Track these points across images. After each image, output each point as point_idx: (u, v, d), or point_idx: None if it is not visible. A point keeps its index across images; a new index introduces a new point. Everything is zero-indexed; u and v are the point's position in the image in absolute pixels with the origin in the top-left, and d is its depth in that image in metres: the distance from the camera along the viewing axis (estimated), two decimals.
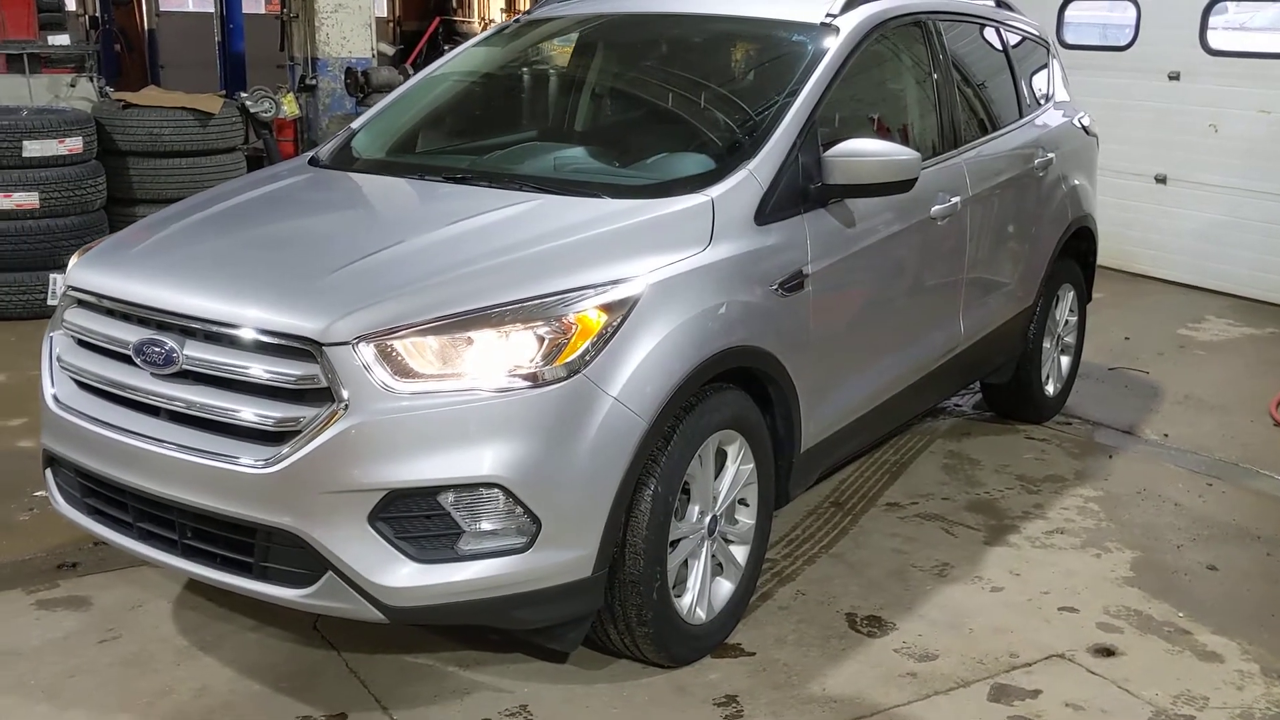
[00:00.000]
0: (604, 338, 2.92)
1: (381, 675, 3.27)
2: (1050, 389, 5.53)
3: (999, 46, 5.19)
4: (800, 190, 3.58)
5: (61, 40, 7.99)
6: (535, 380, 2.83)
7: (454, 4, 17.31)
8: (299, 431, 2.78)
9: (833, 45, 3.92)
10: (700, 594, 3.33)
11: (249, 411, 2.83)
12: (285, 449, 2.78)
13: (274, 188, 3.78)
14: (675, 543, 3.22)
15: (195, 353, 2.91)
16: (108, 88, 8.15)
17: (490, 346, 2.84)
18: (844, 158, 3.57)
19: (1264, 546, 4.28)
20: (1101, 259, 7.33)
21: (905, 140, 4.33)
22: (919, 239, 4.17)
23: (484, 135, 4.40)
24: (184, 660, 3.35)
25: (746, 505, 3.51)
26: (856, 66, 4.01)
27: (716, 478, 3.37)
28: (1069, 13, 8.94)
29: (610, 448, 2.90)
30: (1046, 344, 5.42)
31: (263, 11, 14.22)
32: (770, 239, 3.44)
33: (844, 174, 3.58)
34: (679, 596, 3.27)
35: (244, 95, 8.10)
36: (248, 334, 2.84)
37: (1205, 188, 8.12)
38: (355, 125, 4.40)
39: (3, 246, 6.83)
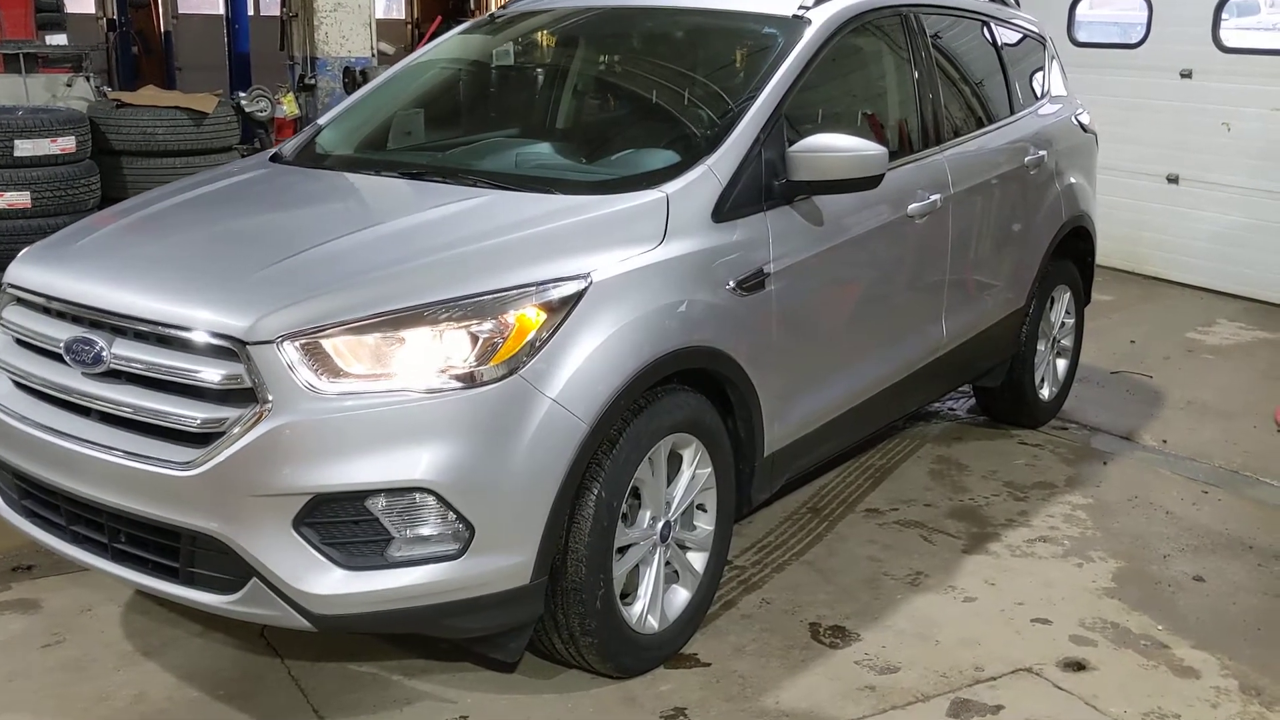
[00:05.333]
0: (543, 338, 2.82)
1: (323, 683, 3.19)
2: (1045, 393, 5.39)
3: (990, 41, 5.06)
4: (763, 187, 3.47)
5: (59, 40, 7.98)
6: (469, 381, 2.73)
7: (470, 5, 17.29)
8: (223, 433, 2.69)
9: (803, 38, 3.80)
10: (652, 602, 3.22)
11: (175, 412, 2.75)
12: (209, 451, 2.69)
13: (225, 184, 3.70)
14: (624, 549, 3.12)
15: (123, 351, 2.83)
16: (105, 87, 8.13)
17: (422, 346, 2.74)
18: (807, 153, 3.46)
19: (1255, 557, 4.13)
20: (1112, 261, 7.18)
21: (882, 136, 4.21)
22: (895, 238, 4.05)
23: (451, 131, 4.33)
24: (125, 666, 3.27)
25: (705, 511, 3.40)
26: (829, 60, 3.89)
27: (671, 482, 3.26)
28: (1080, 11, 8.77)
29: (548, 451, 2.80)
30: (1040, 347, 5.28)
31: (276, 14, 14.21)
32: (729, 236, 3.34)
33: (808, 170, 3.47)
34: (629, 605, 3.16)
35: (241, 95, 8.06)
36: (173, 332, 2.76)
37: (1218, 188, 7.94)
38: (322, 121, 4.33)
39: None
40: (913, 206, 4.08)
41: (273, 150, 4.19)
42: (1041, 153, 5.01)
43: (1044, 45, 5.47)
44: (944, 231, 4.32)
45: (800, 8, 3.93)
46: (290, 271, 2.88)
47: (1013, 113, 5.02)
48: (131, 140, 7.37)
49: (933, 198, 4.19)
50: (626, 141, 3.90)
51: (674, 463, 3.27)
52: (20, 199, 6.86)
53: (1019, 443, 5.21)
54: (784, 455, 3.65)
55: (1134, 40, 8.40)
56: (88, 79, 7.97)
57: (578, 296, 2.90)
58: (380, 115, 4.35)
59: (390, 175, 3.64)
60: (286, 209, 3.48)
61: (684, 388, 3.23)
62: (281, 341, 2.67)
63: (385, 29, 15.92)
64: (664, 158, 3.59)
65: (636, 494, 3.14)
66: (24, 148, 6.91)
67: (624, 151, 3.81)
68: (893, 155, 4.03)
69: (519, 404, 2.77)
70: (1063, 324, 5.45)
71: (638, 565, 3.19)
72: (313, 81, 8.42)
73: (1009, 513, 4.43)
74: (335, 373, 2.69)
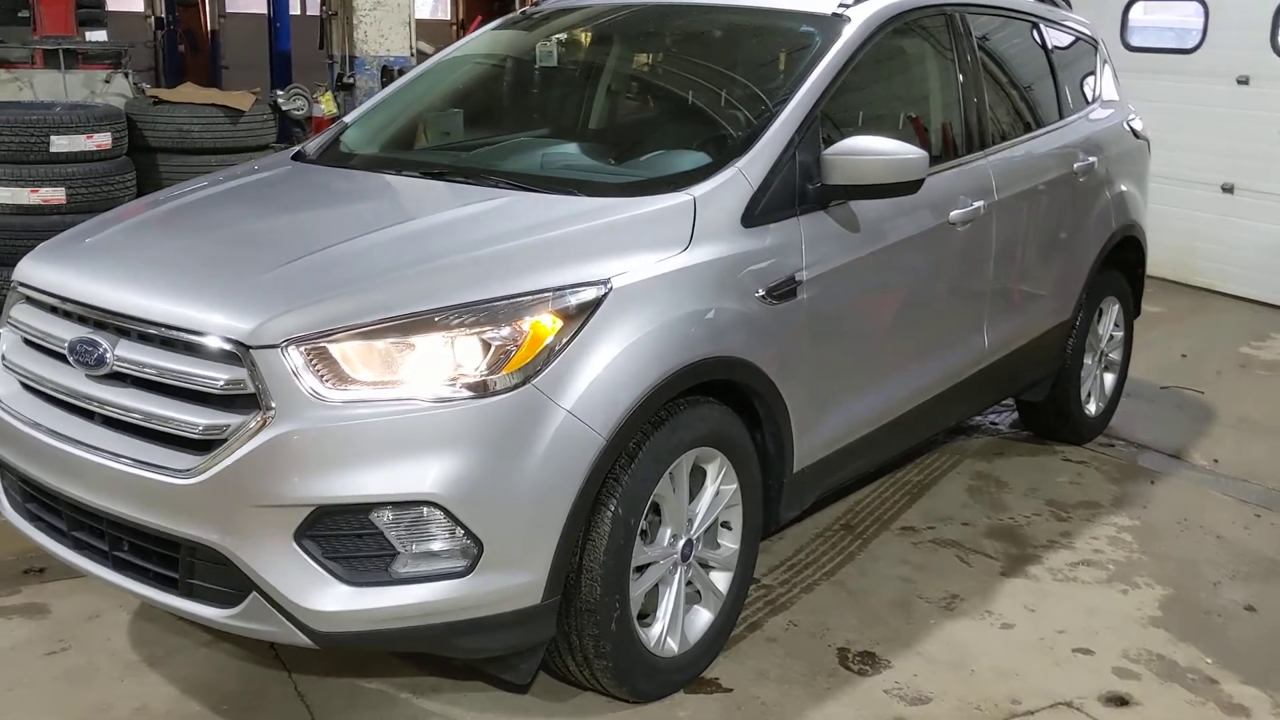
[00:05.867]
0: (559, 346, 2.69)
1: (330, 699, 3.08)
2: (1091, 408, 5.20)
3: (1039, 43, 4.88)
4: (797, 190, 3.33)
5: (99, 36, 7.94)
6: (480, 390, 2.61)
7: (516, 6, 17.24)
8: (225, 440, 2.58)
9: (842, 38, 3.65)
10: (672, 624, 3.08)
11: (177, 418, 2.65)
12: (210, 459, 2.59)
13: (241, 183, 3.61)
14: (643, 568, 2.99)
15: (126, 353, 2.73)
16: (144, 84, 8.10)
17: (432, 353, 2.62)
18: (843, 156, 3.32)
19: None
20: (1163, 272, 6.95)
21: (924, 140, 4.05)
22: (935, 246, 3.89)
23: (479, 130, 4.21)
24: (129, 675, 3.18)
25: (730, 529, 3.26)
26: (869, 61, 3.74)
27: (693, 499, 3.12)
28: (1133, 14, 8.54)
29: (562, 465, 2.67)
30: (1087, 360, 5.09)
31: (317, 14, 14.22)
32: (760, 242, 3.20)
33: (844, 174, 3.32)
34: (647, 626, 3.03)
35: (279, 93, 8.00)
36: (176, 334, 2.66)
37: (1274, 198, 7.68)
38: (348, 119, 4.23)
39: (30, 242, 6.76)
40: (955, 213, 3.92)
41: (296, 148, 4.10)
42: (1091, 159, 4.82)
43: (1096, 48, 5.29)
44: (987, 239, 4.16)
45: (840, 6, 3.79)
46: (298, 273, 2.77)
47: (1061, 117, 4.84)
48: (167, 137, 7.31)
49: (976, 204, 4.02)
50: (657, 142, 3.77)
51: (697, 478, 3.14)
52: (56, 195, 6.82)
53: (1063, 459, 5.02)
54: (814, 471, 3.50)
55: (1189, 45, 8.16)
56: (126, 75, 7.94)
57: (596, 303, 2.77)
58: (408, 113, 4.26)
59: (411, 175, 3.53)
60: (301, 209, 3.38)
61: (709, 399, 3.09)
62: (286, 346, 2.56)
63: (431, 30, 15.91)
64: (694, 159, 3.46)
65: (657, 510, 3.01)
66: (60, 144, 6.85)
67: (654, 152, 3.68)
68: (935, 160, 3.89)
69: (532, 415, 2.64)
70: (1111, 337, 5.25)
71: (657, 585, 3.06)
72: (351, 80, 8.35)
73: (1050, 534, 4.25)
74: (341, 379, 2.58)
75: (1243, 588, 3.90)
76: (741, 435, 3.20)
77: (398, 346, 2.62)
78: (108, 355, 2.75)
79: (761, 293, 3.16)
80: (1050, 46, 4.91)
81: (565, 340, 2.70)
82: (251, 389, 2.57)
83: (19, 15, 7.87)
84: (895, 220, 3.65)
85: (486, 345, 2.64)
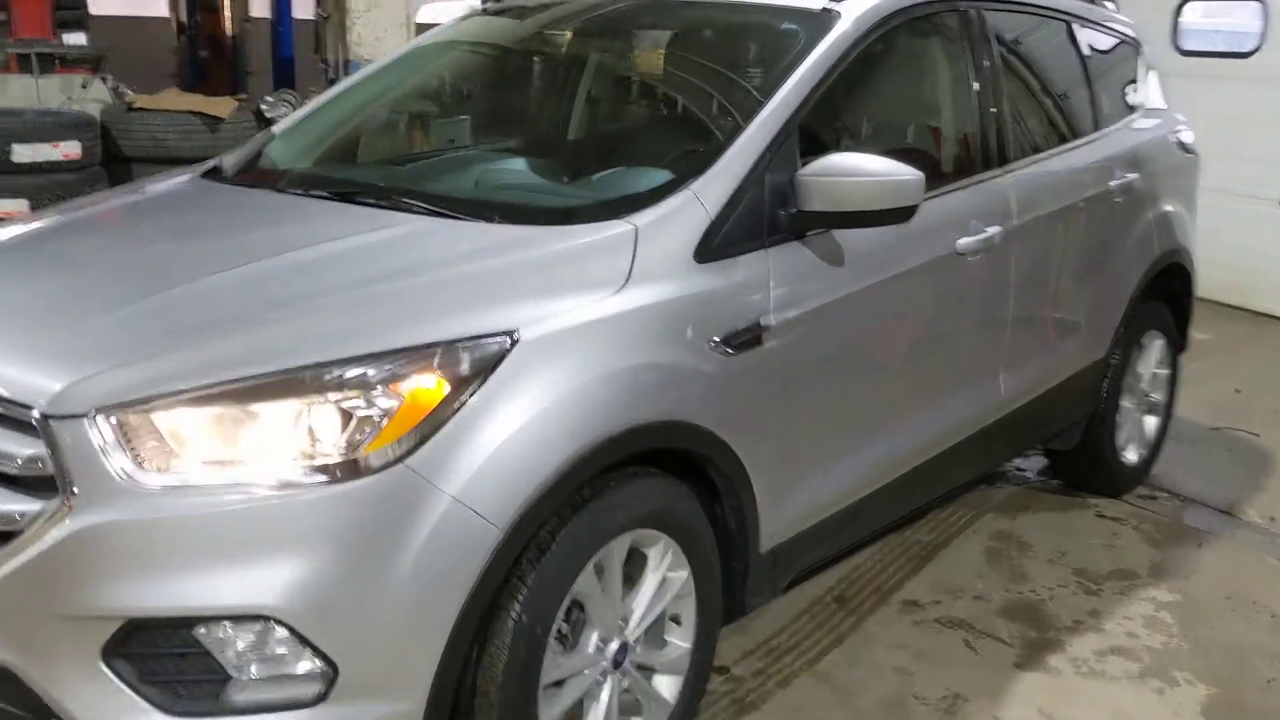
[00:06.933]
0: (445, 414, 2.17)
1: None
2: (1130, 456, 4.60)
3: (1072, 45, 4.30)
4: (766, 218, 2.79)
5: (79, 40, 7.54)
6: (338, 473, 2.09)
7: None
8: (20, 533, 2.08)
9: (829, 37, 3.10)
10: None
11: None
12: (1, 556, 2.08)
13: (113, 206, 3.14)
14: (561, 682, 2.45)
15: None
16: (126, 90, 7.69)
17: (280, 425, 2.10)
18: (821, 178, 2.77)
19: None
20: (1214, 293, 6.33)
21: (929, 157, 3.49)
22: (939, 279, 3.32)
23: (427, 140, 3.72)
24: None
25: (680, 624, 2.72)
26: (863, 64, 3.19)
27: (630, 592, 2.59)
28: (1186, 15, 7.89)
29: (445, 566, 2.15)
30: (1126, 403, 4.50)
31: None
32: (716, 280, 2.65)
33: (823, 198, 2.77)
34: None
35: (267, 99, 7.56)
36: None
37: None
38: (276, 128, 3.74)
39: None
40: (963, 241, 3.35)
41: (213, 161, 3.61)
42: (1131, 175, 4.23)
43: (1139, 51, 4.68)
44: (1004, 270, 3.58)
45: (831, 0, 3.24)
46: (131, 321, 2.27)
47: (1098, 128, 4.25)
48: (142, 146, 6.91)
49: (989, 231, 3.45)
50: (620, 157, 3.26)
51: (639, 562, 2.60)
52: (16, 208, 6.41)
53: (1096, 515, 4.43)
54: (789, 549, 2.95)
55: (1247, 49, 7.50)
56: (104, 80, 7.53)
57: (497, 359, 2.24)
58: (347, 123, 3.76)
59: (317, 196, 3.01)
60: (168, 238, 2.86)
61: (650, 471, 2.56)
62: (95, 415, 2.05)
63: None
64: (656, 178, 2.92)
65: (581, 607, 2.47)
66: (22, 153, 6.48)
67: (612, 169, 3.16)
68: (943, 178, 3.37)
69: (406, 504, 2.12)
70: (1152, 376, 4.65)
71: (582, 699, 2.52)
72: None
73: (1077, 611, 3.67)
74: (163, 458, 2.07)
75: None
76: (692, 513, 2.66)
77: (236, 416, 2.10)
78: None
79: (716, 341, 2.61)
80: (1085, 49, 4.32)
81: (454, 407, 2.18)
82: (51, 469, 2.06)
83: None
84: (889, 251, 3.09)
85: (348, 415, 2.12)
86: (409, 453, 2.12)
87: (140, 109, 6.97)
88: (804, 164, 2.83)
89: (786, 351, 2.78)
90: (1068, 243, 3.95)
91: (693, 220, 2.67)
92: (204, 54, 15.80)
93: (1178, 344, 4.79)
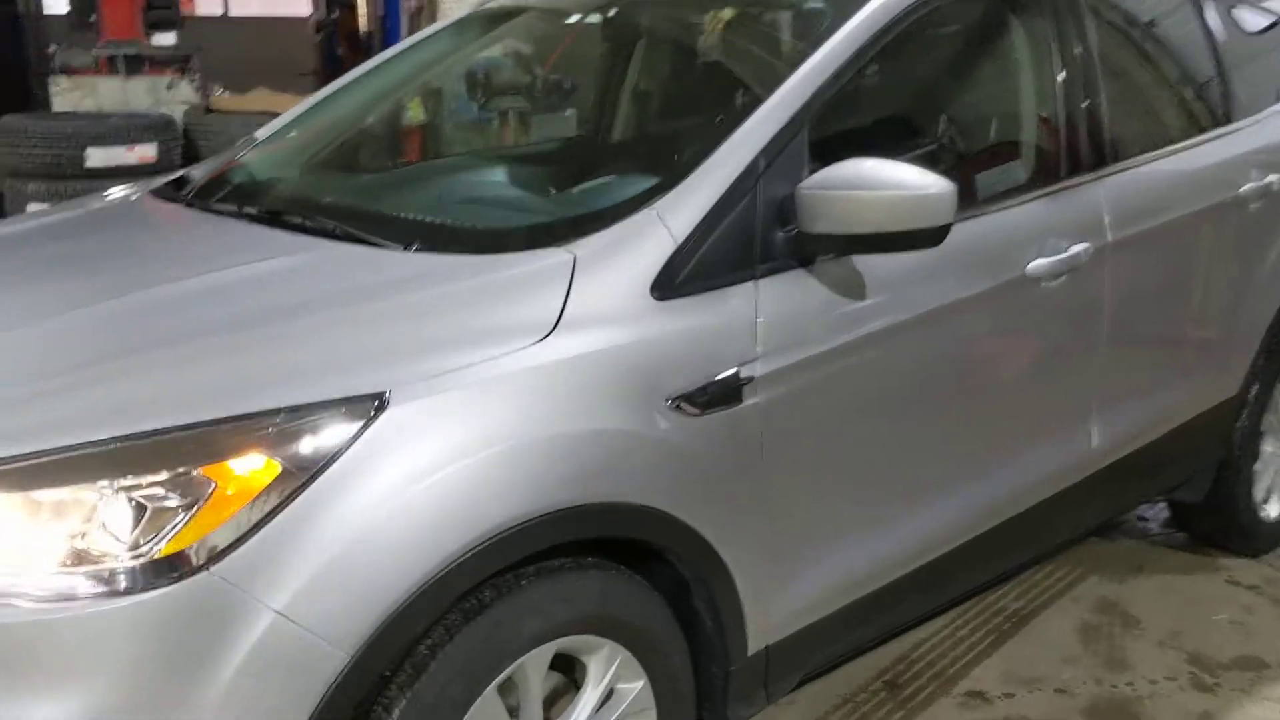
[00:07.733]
0: (271, 503, 1.70)
1: None
2: (1272, 511, 3.86)
3: (1197, 15, 3.58)
4: (757, 240, 2.23)
5: (168, 40, 7.40)
6: (121, 582, 1.64)
7: None
8: None
9: (858, 15, 2.52)
10: None
11: None
12: None
13: (31, 227, 2.76)
14: None
15: None
16: (217, 89, 7.52)
17: (52, 519, 1.66)
18: (825, 191, 2.20)
19: None
20: None
21: (991, 159, 2.86)
22: (999, 312, 2.70)
23: (403, 153, 3.29)
24: None
25: None
26: (898, 48, 2.58)
27: (565, 713, 2.08)
28: None
29: (268, 702, 1.68)
30: (1267, 447, 3.77)
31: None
32: (679, 322, 2.12)
33: (828, 217, 2.21)
34: None
35: None
36: None
37: None
38: (259, 133, 3.34)
39: None
40: (1036, 264, 2.71)
41: (181, 172, 3.24)
42: (1271, 178, 3.50)
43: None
44: (1095, 296, 2.93)
45: None
46: None
47: (1229, 119, 3.53)
48: (216, 148, 6.68)
49: (1075, 249, 2.81)
50: (606, 165, 2.76)
51: (573, 678, 2.09)
52: None
53: (1226, 581, 3.71)
54: (789, 648, 2.39)
55: None
56: (191, 80, 7.36)
57: (356, 431, 1.76)
58: (335, 129, 3.35)
59: (246, 219, 2.57)
60: (39, 271, 2.45)
61: (583, 562, 2.04)
62: None
63: None
64: (631, 190, 2.40)
65: None
66: (96, 157, 6.32)
67: (596, 181, 2.66)
68: (1010, 188, 2.74)
69: (214, 621, 1.65)
70: None
71: None
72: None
73: (1182, 715, 2.99)
74: None
75: None
76: (648, 611, 2.14)
77: None
78: None
79: (674, 399, 2.08)
80: (1212, 20, 3.59)
81: (287, 493, 1.70)
82: None
83: (88, 20, 7.42)
84: (928, 280, 2.48)
85: (140, 507, 1.66)
86: (221, 555, 1.66)
87: (217, 110, 6.75)
88: (813, 171, 2.28)
89: (777, 408, 2.22)
90: (1184, 260, 3.26)
91: (652, 247, 2.14)
92: (340, 51, 15.79)
93: None
